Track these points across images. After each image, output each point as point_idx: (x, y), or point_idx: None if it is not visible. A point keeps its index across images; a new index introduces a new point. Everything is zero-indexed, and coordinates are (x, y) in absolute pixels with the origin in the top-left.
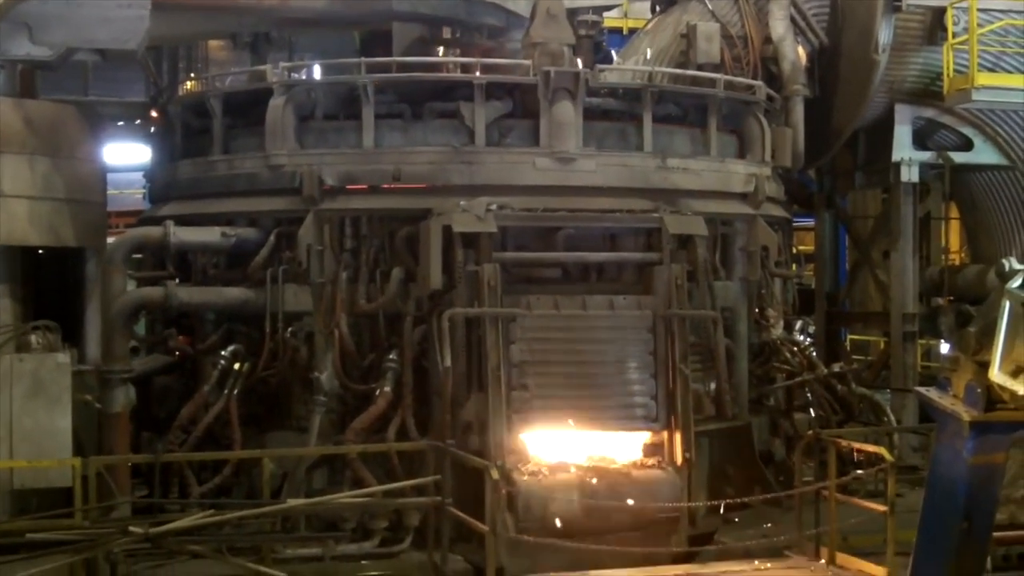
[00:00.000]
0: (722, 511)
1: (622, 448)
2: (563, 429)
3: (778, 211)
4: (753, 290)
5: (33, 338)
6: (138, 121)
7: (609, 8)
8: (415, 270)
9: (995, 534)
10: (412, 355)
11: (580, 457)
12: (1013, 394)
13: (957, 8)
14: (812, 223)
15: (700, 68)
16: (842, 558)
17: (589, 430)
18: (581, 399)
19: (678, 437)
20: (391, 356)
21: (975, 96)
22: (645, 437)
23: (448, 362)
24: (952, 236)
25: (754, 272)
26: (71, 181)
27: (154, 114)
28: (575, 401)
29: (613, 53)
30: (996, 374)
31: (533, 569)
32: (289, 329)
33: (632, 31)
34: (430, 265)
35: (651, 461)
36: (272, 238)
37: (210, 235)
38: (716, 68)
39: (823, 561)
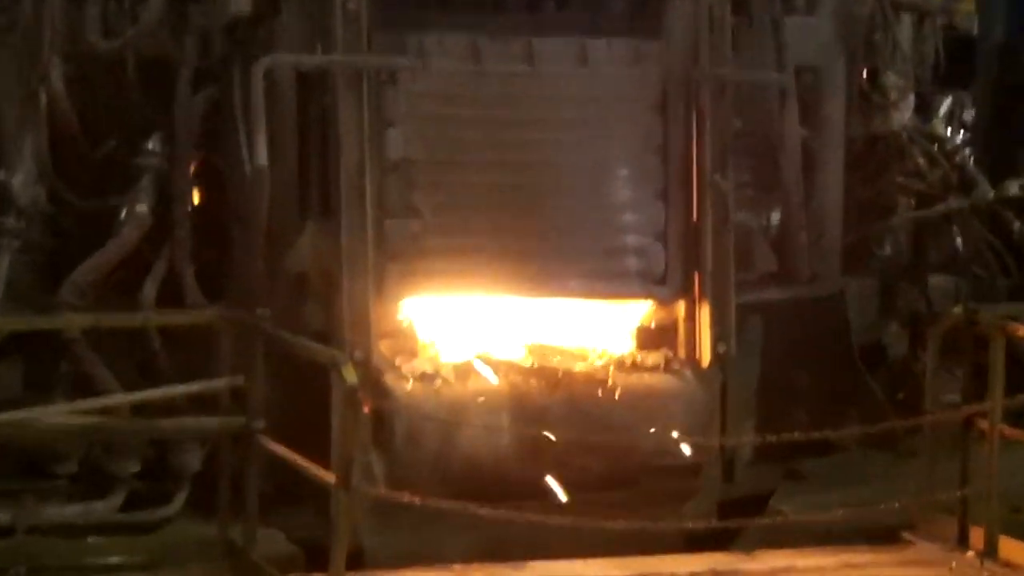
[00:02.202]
0: (785, 456)
1: (597, 334)
2: (486, 295)
3: None
4: (858, 35)
5: None
6: None
7: None
8: None
9: None
10: (191, 145)
11: (515, 349)
12: None
13: None
14: None
15: None
16: (1010, 545)
17: (533, 297)
18: (521, 238)
19: (704, 314)
20: (150, 145)
21: None
22: (642, 312)
23: (263, 159)
24: None
25: (861, 1)
26: None
27: None
28: (509, 241)
29: None
30: None
31: (418, 552)
32: None
33: None
34: None
35: (652, 358)
36: None
37: None
38: None
39: (972, 553)
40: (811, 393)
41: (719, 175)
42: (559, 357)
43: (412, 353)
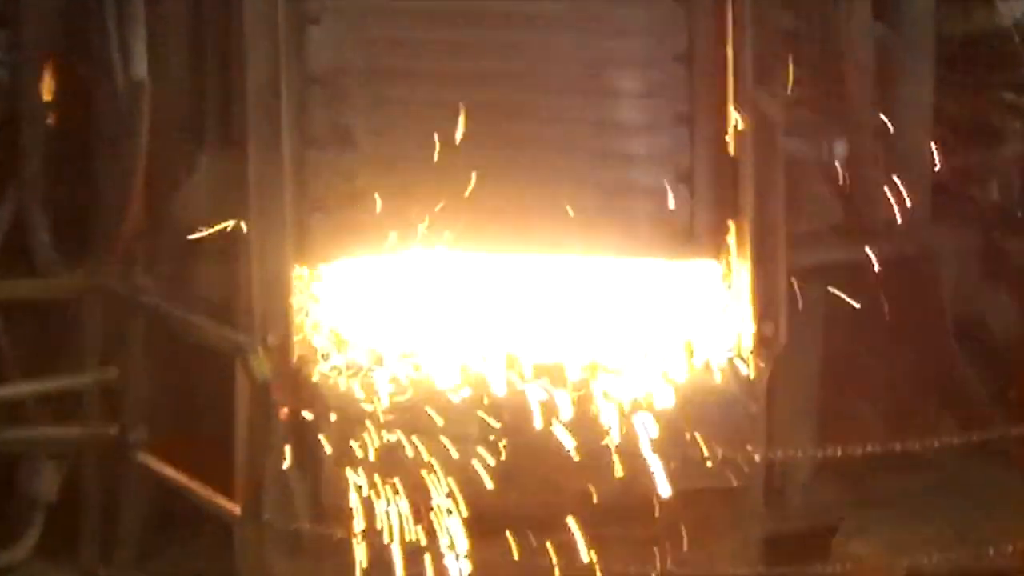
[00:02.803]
0: (855, 474)
1: (594, 307)
2: (446, 253)
3: None
4: None
5: None
6: None
7: None
8: None
9: None
10: (44, 48)
11: (478, 334)
12: None
13: None
14: None
15: None
16: None
17: (509, 254)
18: (492, 175)
19: (744, 281)
20: None
21: None
22: (655, 275)
23: (142, 69)
24: None
25: None
26: None
27: None
28: (476, 180)
29: None
30: None
31: None
32: None
33: None
34: None
35: (672, 343)
36: None
37: None
38: None
39: None
40: (890, 388)
41: (763, 91)
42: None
43: (347, 337)
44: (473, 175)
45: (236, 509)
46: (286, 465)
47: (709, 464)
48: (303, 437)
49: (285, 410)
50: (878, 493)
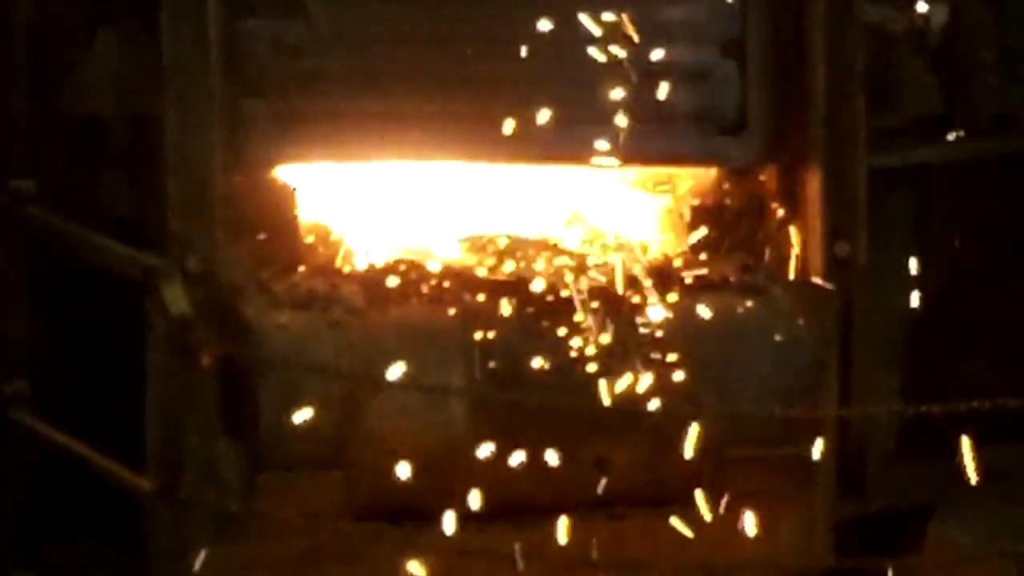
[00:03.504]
0: (953, 444)
1: (627, 219)
2: (414, 161)
3: None
4: None
5: None
6: None
7: None
8: None
9: None
10: None
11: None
12: None
13: None
14: None
15: None
16: None
17: (496, 164)
18: (469, 54)
19: (812, 188)
20: None
21: None
22: (699, 185)
23: None
24: None
25: None
26: None
27: None
28: (449, 58)
29: None
30: None
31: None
32: None
33: None
34: None
35: (717, 268)
36: None
37: None
38: None
39: None
40: (1000, 330)
41: None
42: (542, 259)
43: (291, 261)
44: (446, 53)
45: (147, 484)
46: (211, 428)
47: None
48: (234, 391)
49: (209, 357)
50: (981, 470)
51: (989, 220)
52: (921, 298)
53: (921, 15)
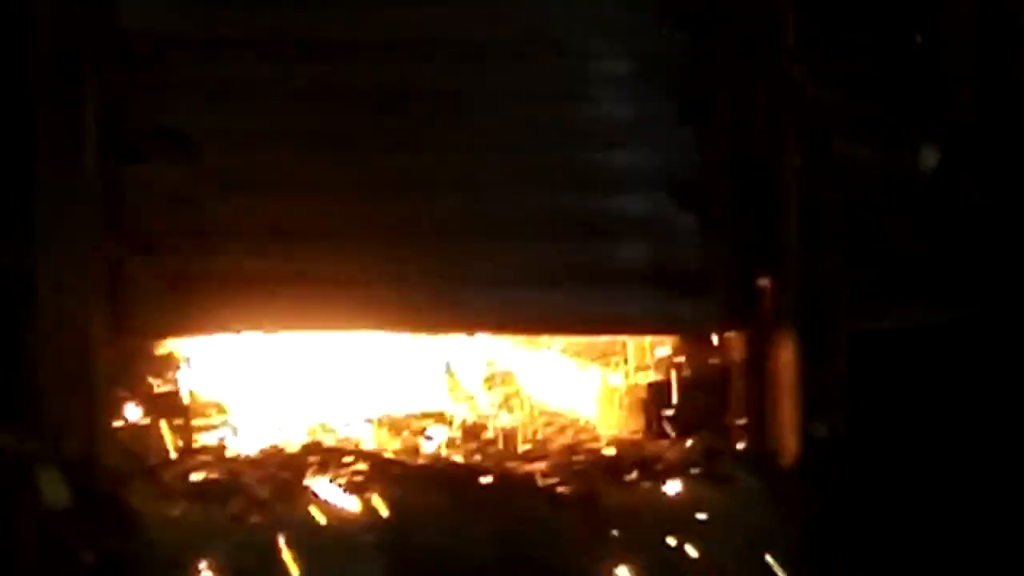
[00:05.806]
0: None
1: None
2: (324, 330)
3: None
4: None
5: None
6: None
7: None
8: None
9: None
10: None
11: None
12: None
13: None
14: None
15: None
16: None
17: (421, 335)
18: (393, 207)
19: (784, 357)
20: None
21: None
22: (653, 352)
23: None
24: None
25: None
26: None
27: None
28: (371, 211)
29: None
30: None
31: None
32: None
33: None
34: None
35: (675, 450)
36: None
37: None
38: None
39: None
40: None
41: (802, 65)
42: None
43: (184, 444)
44: (365, 207)
45: None
46: None
47: None
48: None
49: (90, 556)
50: None
51: (988, 394)
52: (909, 481)
53: (910, 153)
